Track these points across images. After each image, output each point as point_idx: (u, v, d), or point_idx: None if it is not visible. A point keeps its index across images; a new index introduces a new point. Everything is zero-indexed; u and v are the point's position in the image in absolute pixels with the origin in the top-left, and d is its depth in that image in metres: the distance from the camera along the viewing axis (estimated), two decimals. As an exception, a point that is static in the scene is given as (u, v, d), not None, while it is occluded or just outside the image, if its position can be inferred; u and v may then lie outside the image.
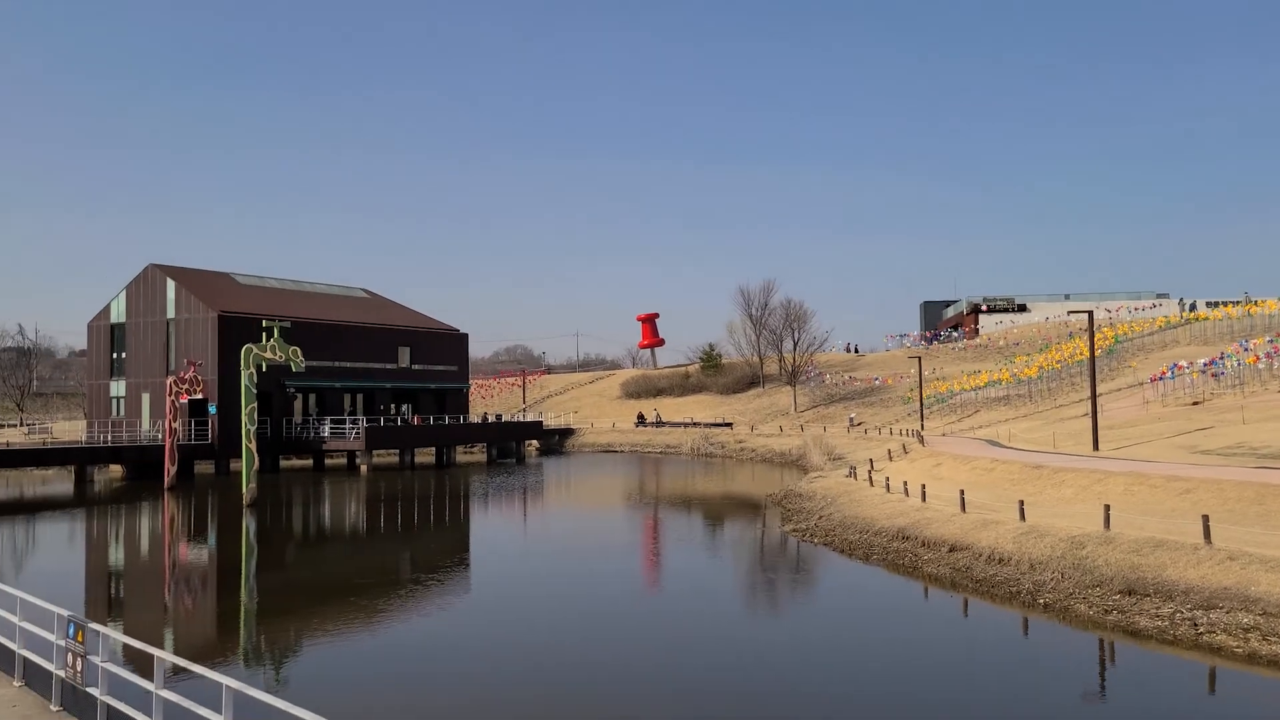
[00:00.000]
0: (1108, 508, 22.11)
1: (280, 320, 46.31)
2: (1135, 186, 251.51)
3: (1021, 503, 24.80)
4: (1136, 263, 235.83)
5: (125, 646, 9.75)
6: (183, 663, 8.57)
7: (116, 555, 31.81)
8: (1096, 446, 37.48)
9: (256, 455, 42.58)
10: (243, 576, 27.10)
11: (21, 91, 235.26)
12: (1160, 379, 55.04)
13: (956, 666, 16.51)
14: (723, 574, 26.87)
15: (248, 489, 41.27)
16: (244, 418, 42.23)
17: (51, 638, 10.42)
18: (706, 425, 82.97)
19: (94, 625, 9.69)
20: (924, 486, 30.27)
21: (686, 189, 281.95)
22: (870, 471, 37.71)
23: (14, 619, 11.31)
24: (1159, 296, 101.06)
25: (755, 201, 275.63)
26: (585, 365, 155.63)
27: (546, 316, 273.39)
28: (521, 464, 67.44)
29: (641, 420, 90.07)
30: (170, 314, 62.18)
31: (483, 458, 71.55)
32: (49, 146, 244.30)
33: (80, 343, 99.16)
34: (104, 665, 9.37)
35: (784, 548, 29.62)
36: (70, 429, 75.29)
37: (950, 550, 23.82)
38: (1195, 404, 47.99)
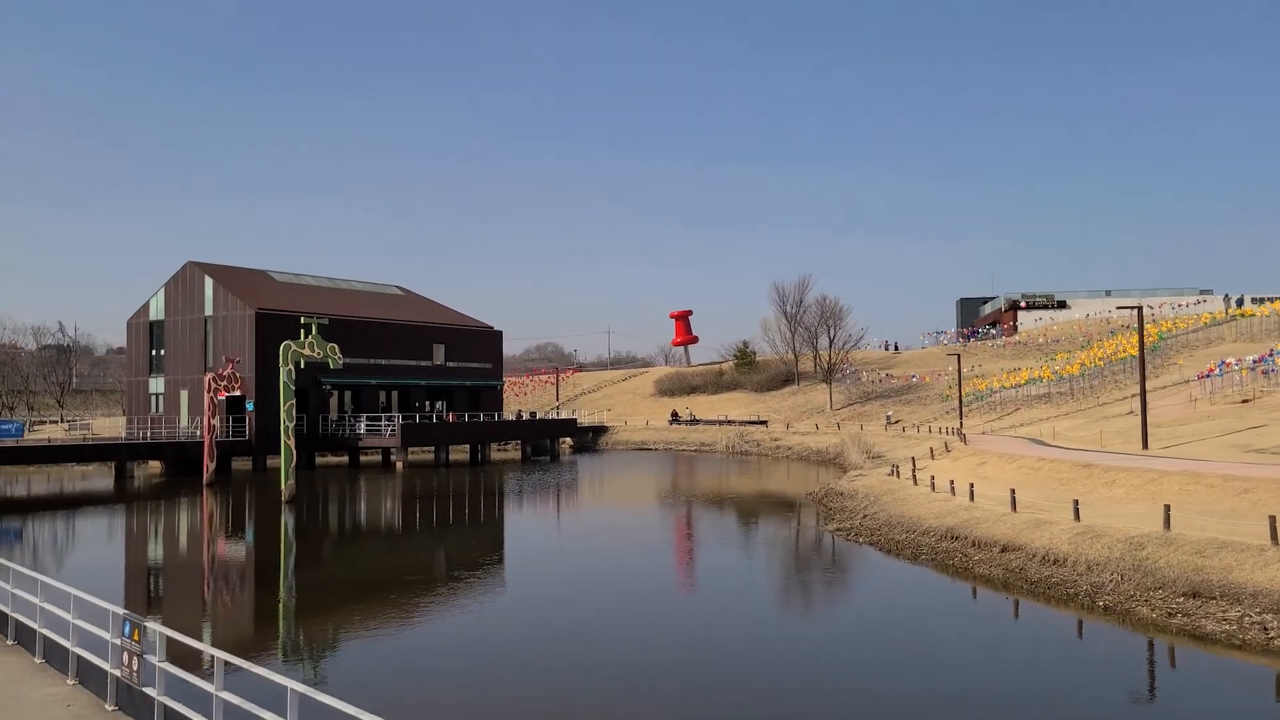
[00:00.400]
0: (1168, 507, 21.45)
1: (318, 317, 46.38)
2: (1136, 185, 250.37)
3: (1076, 502, 24.19)
4: (1141, 260, 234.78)
5: (180, 645, 9.48)
6: (245, 664, 8.31)
7: (156, 551, 31.94)
8: (1146, 445, 36.67)
9: (294, 452, 42.65)
10: (281, 573, 27.04)
11: (42, 91, 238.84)
12: (1208, 376, 53.88)
13: (1017, 666, 16.04)
14: (767, 573, 26.43)
15: (286, 485, 41.33)
16: (283, 414, 42.27)
17: (106, 636, 10.21)
18: (741, 423, 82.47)
19: (150, 624, 9.47)
20: (971, 485, 29.66)
21: (699, 187, 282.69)
22: (913, 470, 37.08)
23: (67, 616, 11.12)
24: (1203, 293, 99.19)
25: (775, 201, 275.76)
26: (617, 363, 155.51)
27: (576, 314, 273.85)
28: (556, 461, 67.29)
29: (675, 418, 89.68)
30: (208, 311, 62.60)
31: (517, 455, 71.45)
32: (80, 145, 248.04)
33: (119, 340, 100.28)
34: (161, 665, 9.12)
35: (830, 548, 29.16)
36: (110, 425, 76.14)
37: (1002, 551, 23.27)
38: (1245, 402, 46.87)
